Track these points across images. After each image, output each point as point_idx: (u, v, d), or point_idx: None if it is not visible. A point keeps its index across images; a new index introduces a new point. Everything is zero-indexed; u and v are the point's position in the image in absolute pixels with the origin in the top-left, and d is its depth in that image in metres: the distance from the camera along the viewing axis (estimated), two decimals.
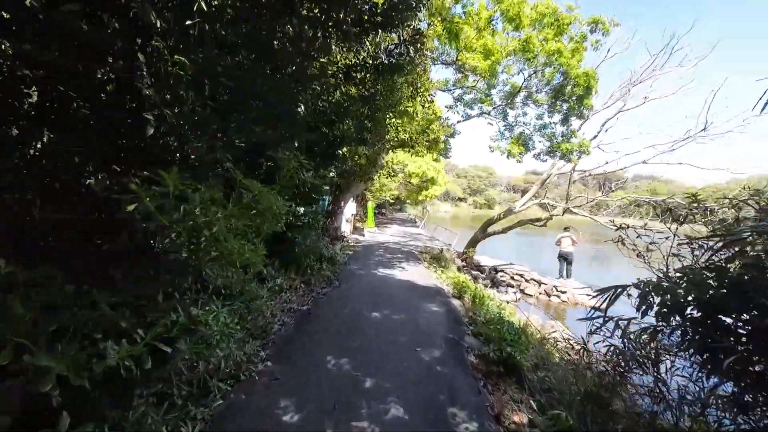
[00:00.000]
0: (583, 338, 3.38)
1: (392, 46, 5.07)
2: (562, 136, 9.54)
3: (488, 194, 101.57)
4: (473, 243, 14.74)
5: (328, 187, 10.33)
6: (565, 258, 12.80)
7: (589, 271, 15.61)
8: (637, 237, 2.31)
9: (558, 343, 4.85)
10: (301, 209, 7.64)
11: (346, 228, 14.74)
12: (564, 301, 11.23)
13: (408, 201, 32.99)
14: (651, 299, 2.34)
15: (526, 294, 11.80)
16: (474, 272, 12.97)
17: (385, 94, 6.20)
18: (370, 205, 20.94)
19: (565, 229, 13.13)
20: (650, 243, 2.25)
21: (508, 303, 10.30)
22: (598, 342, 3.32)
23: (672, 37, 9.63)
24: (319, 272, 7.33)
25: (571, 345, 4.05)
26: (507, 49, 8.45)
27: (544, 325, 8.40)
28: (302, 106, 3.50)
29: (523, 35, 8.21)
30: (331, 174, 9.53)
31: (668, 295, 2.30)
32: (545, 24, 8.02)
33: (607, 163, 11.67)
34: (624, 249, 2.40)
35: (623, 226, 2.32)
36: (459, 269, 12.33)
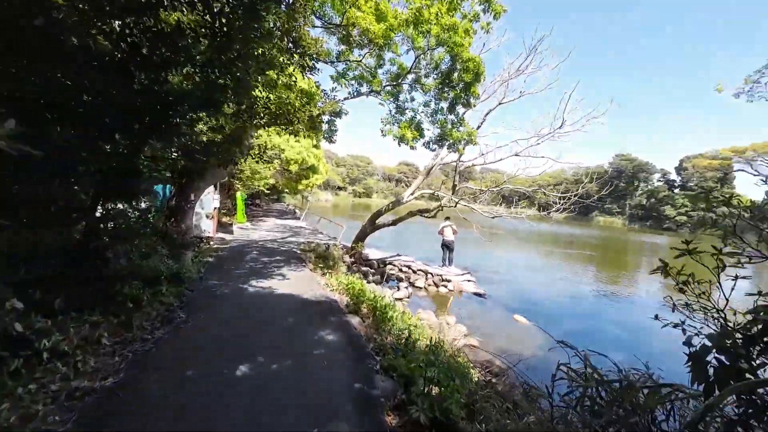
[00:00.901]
0: (547, 387, 2.48)
1: None
2: (452, 125, 9.23)
3: (366, 183, 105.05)
4: (361, 236, 13.76)
5: (169, 174, 7.40)
6: (447, 246, 13.12)
7: (465, 256, 16.76)
8: (709, 254, 1.30)
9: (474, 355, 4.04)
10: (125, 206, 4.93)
11: (207, 226, 11.59)
12: (450, 290, 11.37)
13: (286, 190, 30.04)
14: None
15: (416, 287, 11.51)
16: (364, 268, 12.00)
17: (248, 35, 4.16)
18: (239, 195, 17.62)
19: (446, 218, 13.47)
20: (723, 267, 1.26)
21: (401, 300, 9.67)
22: (567, 387, 2.47)
23: (538, 40, 10.46)
24: (150, 303, 4.83)
25: (524, 378, 3.23)
26: (400, 17, 7.39)
27: (440, 323, 7.97)
28: None
29: (416, 5, 7.28)
30: (174, 154, 6.74)
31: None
32: None
33: (483, 154, 12.25)
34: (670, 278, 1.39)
35: (678, 249, 1.28)
36: (349, 267, 11.12)
